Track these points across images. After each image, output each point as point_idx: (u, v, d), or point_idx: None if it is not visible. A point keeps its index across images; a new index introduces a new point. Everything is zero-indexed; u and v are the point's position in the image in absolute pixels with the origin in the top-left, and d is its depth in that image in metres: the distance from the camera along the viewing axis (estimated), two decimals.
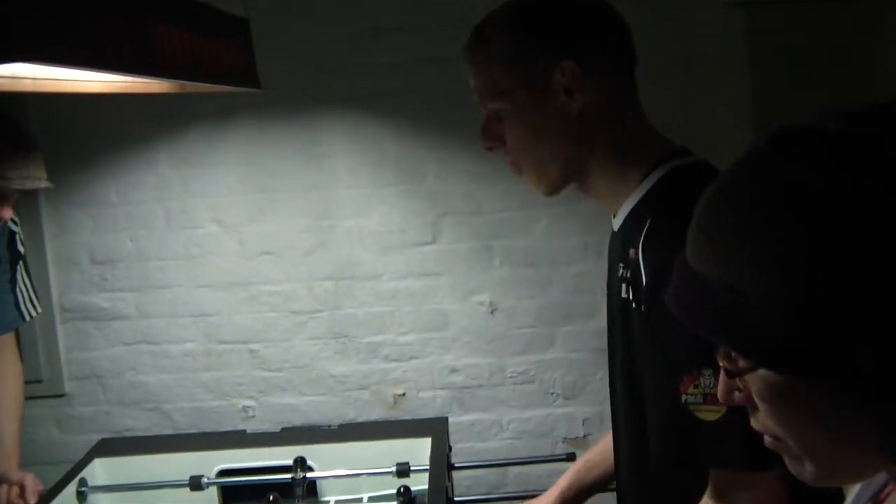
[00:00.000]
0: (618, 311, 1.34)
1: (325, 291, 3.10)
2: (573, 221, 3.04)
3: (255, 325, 3.13)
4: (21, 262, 2.35)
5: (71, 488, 2.19)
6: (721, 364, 0.74)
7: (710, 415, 1.14)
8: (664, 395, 1.17)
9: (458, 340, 3.14)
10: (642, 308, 1.21)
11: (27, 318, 2.38)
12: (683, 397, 1.14)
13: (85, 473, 2.26)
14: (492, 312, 3.12)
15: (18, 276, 2.34)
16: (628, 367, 1.33)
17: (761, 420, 0.74)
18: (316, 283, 3.10)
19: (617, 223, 1.35)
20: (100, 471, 2.31)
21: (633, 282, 1.24)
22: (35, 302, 2.39)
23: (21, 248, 2.33)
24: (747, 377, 0.72)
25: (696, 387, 1.13)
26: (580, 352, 3.15)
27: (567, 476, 1.74)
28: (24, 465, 3.20)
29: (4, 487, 2.28)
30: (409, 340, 3.14)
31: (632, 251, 1.25)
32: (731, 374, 0.74)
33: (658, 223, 1.20)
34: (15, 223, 2.32)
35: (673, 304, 0.75)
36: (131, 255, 3.11)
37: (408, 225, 3.07)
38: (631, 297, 1.27)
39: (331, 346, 3.14)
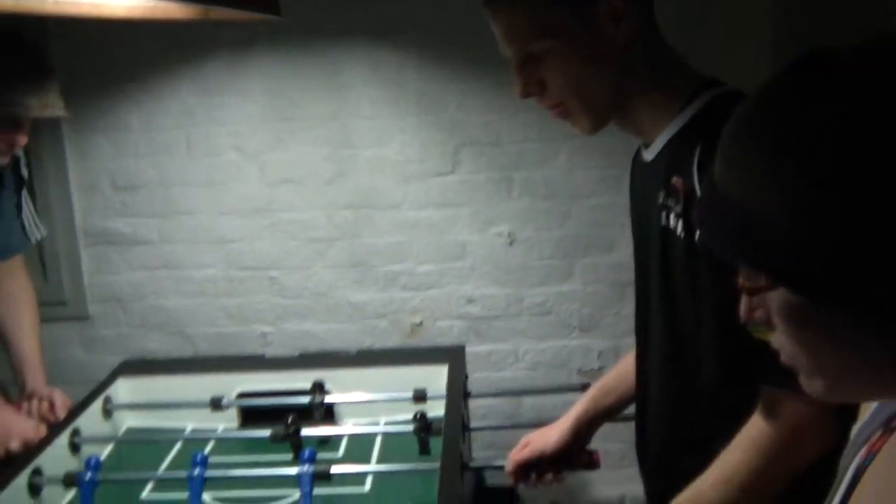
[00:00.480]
0: (655, 239, 1.36)
1: (345, 220, 3.13)
2: (592, 154, 3.04)
3: (275, 252, 3.17)
4: (25, 187, 2.37)
5: (97, 405, 2.25)
6: (743, 283, 0.77)
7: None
8: (723, 316, 1.19)
9: (477, 271, 3.17)
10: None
11: (33, 241, 2.42)
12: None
13: (110, 392, 2.31)
14: (510, 243, 3.14)
15: (23, 201, 2.37)
16: (667, 292, 1.36)
17: (779, 338, 0.76)
18: (335, 211, 3.13)
19: (652, 153, 1.36)
20: (124, 389, 2.36)
21: (681, 208, 1.26)
22: (39, 225, 2.42)
23: (25, 173, 2.35)
24: (767, 296, 0.74)
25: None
26: (598, 284, 3.17)
27: (582, 402, 1.77)
28: (51, 383, 3.29)
29: (35, 402, 2.34)
30: (428, 270, 3.17)
31: (676, 179, 1.27)
32: (751, 293, 0.77)
33: (712, 148, 1.22)
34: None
35: (697, 221, 0.78)
36: (153, 181, 3.14)
37: (427, 155, 3.07)
38: (672, 224, 1.29)
39: (349, 274, 3.17)
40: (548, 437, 1.79)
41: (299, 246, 3.16)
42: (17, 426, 2.12)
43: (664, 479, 1.47)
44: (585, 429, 1.76)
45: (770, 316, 0.76)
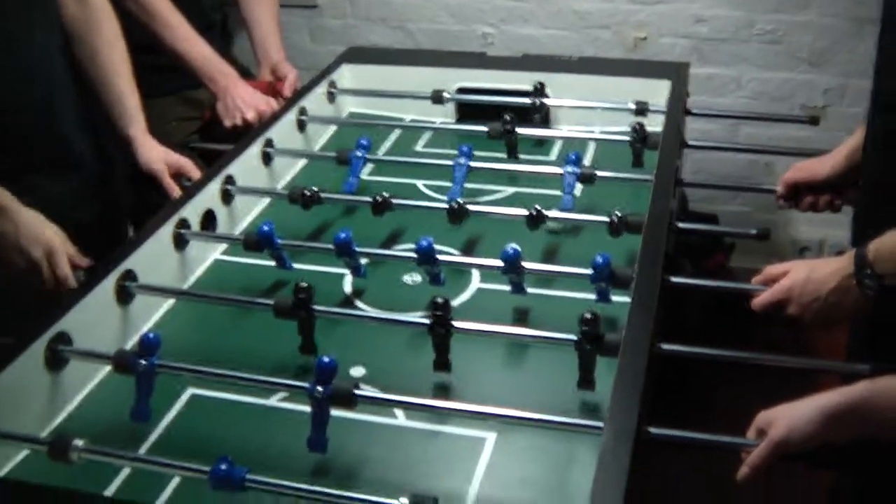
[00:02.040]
0: None
1: None
2: None
3: None
4: None
5: (322, 89, 2.33)
6: None
7: None
8: None
9: None
10: None
11: None
12: None
13: (335, 76, 2.39)
14: None
15: None
16: None
17: None
18: None
19: None
20: (348, 76, 2.43)
21: None
22: None
23: None
24: None
25: None
26: (836, 18, 2.93)
27: (857, 135, 1.67)
28: None
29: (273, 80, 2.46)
30: None
31: None
32: None
33: None
34: None
35: None
36: None
37: None
38: None
39: None
40: (822, 163, 1.75)
41: None
42: (252, 99, 2.24)
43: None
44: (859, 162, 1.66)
45: None
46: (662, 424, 1.18)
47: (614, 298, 1.49)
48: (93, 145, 1.94)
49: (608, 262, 1.44)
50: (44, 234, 1.60)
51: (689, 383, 2.25)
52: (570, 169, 1.81)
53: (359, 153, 1.95)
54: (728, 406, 2.21)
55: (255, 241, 1.63)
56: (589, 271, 1.46)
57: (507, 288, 1.55)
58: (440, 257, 1.55)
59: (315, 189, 1.81)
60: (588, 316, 1.27)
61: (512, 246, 1.48)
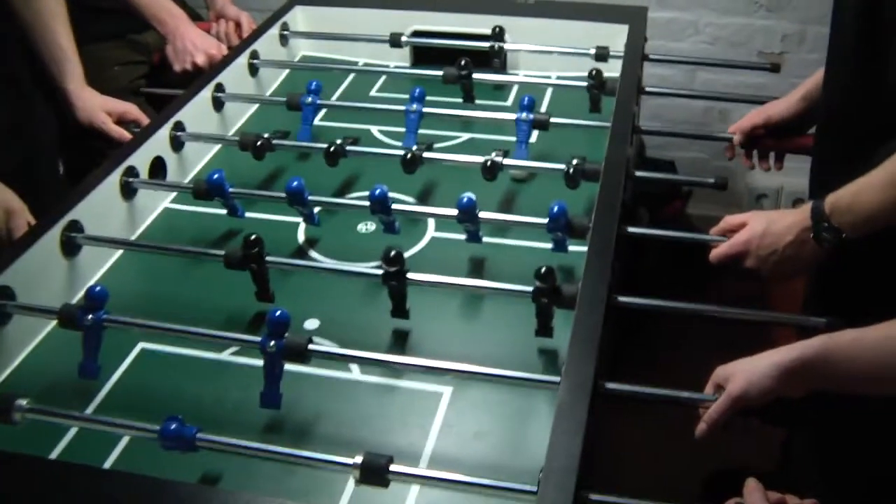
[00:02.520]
0: None
1: None
2: None
3: None
4: None
5: (274, 31, 2.27)
6: None
7: None
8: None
9: None
10: None
11: None
12: None
13: (287, 18, 2.32)
14: None
15: None
16: None
17: None
18: None
19: None
20: (300, 17, 2.37)
21: None
22: None
23: None
24: None
25: None
26: None
27: (814, 78, 1.66)
28: None
29: (222, 22, 2.39)
30: None
31: None
32: None
33: None
34: None
35: None
36: None
37: None
38: None
39: None
40: (775, 106, 1.74)
41: None
42: (202, 43, 2.17)
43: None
44: (815, 106, 1.66)
45: None
46: (619, 375, 1.17)
47: (572, 248, 1.48)
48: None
49: (564, 212, 1.43)
50: (3, 195, 1.55)
51: (646, 333, 2.27)
52: (523, 116, 1.78)
53: (308, 99, 1.90)
54: (684, 358, 2.24)
55: (205, 189, 1.59)
56: (545, 220, 1.44)
57: (462, 237, 1.53)
58: (395, 206, 1.53)
59: (266, 136, 1.77)
60: (543, 270, 1.26)
61: (467, 195, 1.46)
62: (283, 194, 1.55)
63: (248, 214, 1.65)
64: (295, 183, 1.54)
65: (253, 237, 1.38)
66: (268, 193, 1.69)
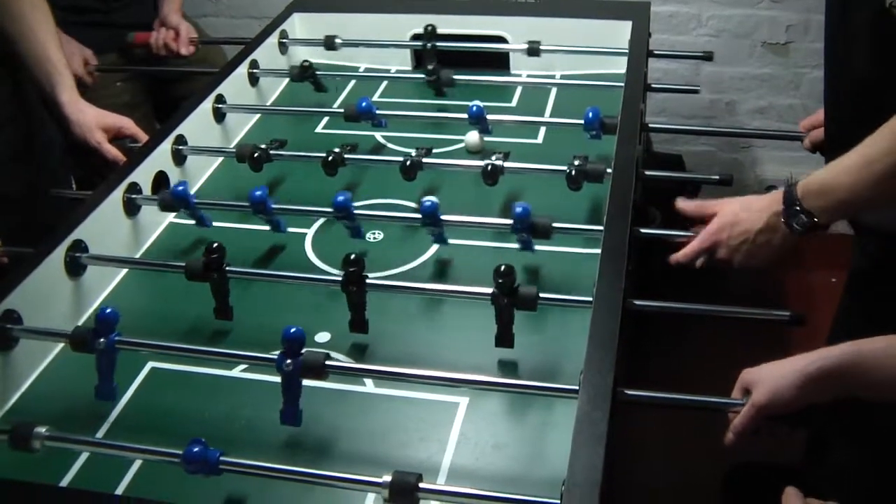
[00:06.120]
0: None
1: None
2: None
3: None
4: None
5: (273, 39, 2.25)
6: None
7: None
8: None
9: None
10: None
11: None
12: (888, 1, 1.04)
13: (286, 26, 2.30)
14: None
15: None
16: None
17: None
18: None
19: None
20: (299, 25, 2.35)
21: None
22: None
23: None
24: None
25: None
26: None
27: None
28: (229, 18, 3.34)
29: (162, 30, 2.37)
30: None
31: None
32: None
33: None
34: None
35: None
36: None
37: None
38: None
39: None
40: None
41: None
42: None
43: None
44: None
45: None
46: (635, 374, 1.15)
47: (581, 250, 1.45)
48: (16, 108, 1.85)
49: (528, 213, 1.41)
50: None
51: (658, 327, 2.24)
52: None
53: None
54: (701, 354, 2.21)
55: (170, 201, 1.60)
56: (509, 221, 1.43)
57: (473, 242, 1.51)
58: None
59: (263, 146, 1.75)
60: (503, 268, 1.24)
61: (429, 199, 1.46)
62: (247, 204, 1.55)
63: (253, 227, 1.63)
64: (258, 192, 1.54)
65: (215, 244, 1.37)
66: (231, 203, 1.65)
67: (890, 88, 1.27)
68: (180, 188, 1.58)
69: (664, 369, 1.43)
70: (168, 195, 1.59)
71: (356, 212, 1.52)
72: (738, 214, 1.38)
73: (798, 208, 1.29)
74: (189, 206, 1.59)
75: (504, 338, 1.28)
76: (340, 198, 1.50)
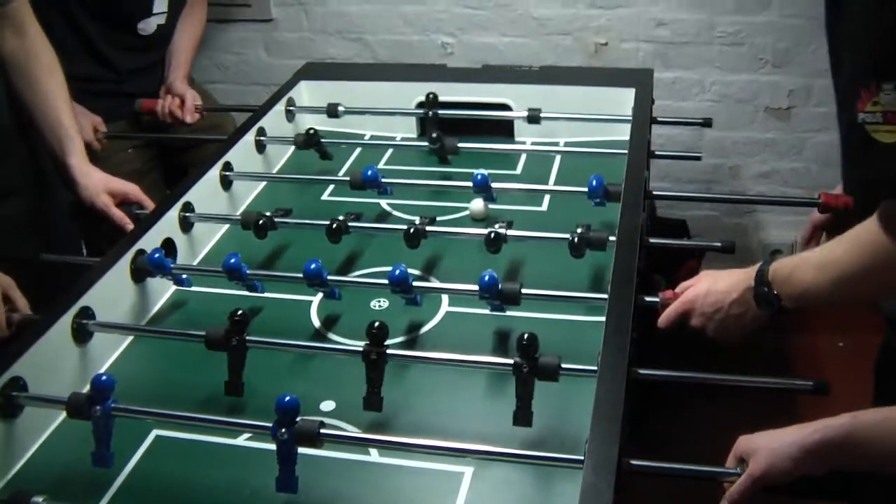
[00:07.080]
0: None
1: None
2: None
3: None
4: None
5: (280, 106, 2.28)
6: None
7: (888, 136, 1.05)
8: (844, 108, 1.09)
9: None
10: None
11: None
12: (860, 116, 1.06)
13: (293, 94, 2.33)
14: None
15: None
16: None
17: None
18: None
19: None
20: (305, 92, 2.38)
21: None
22: None
23: None
24: None
25: (874, 104, 1.04)
26: (797, 17, 2.91)
27: None
28: (237, 84, 3.39)
29: (168, 98, 2.41)
30: None
31: None
32: None
33: None
34: None
35: None
36: None
37: None
38: None
39: None
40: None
41: None
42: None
43: None
44: None
45: None
46: (639, 443, 1.15)
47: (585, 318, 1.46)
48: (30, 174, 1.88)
49: (495, 280, 1.43)
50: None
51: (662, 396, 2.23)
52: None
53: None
54: (703, 420, 2.19)
55: (147, 267, 1.62)
56: (476, 288, 1.45)
57: (479, 310, 1.52)
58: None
59: (268, 214, 1.77)
60: (526, 336, 1.24)
61: (400, 267, 1.48)
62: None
63: (262, 294, 1.63)
64: (232, 260, 1.56)
65: (240, 311, 1.37)
66: (209, 269, 1.67)
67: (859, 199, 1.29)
68: (156, 255, 1.61)
69: (666, 435, 1.42)
70: (144, 261, 1.62)
71: (329, 278, 1.55)
72: (711, 285, 1.40)
73: (766, 289, 1.31)
74: (165, 272, 1.62)
75: (523, 415, 1.26)
76: (312, 266, 1.52)
